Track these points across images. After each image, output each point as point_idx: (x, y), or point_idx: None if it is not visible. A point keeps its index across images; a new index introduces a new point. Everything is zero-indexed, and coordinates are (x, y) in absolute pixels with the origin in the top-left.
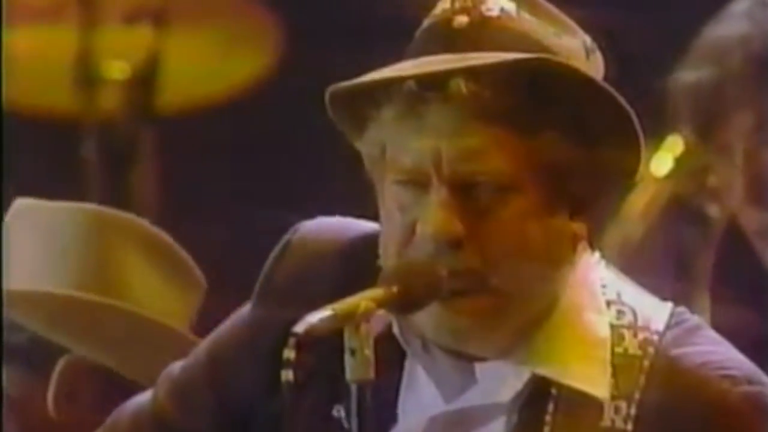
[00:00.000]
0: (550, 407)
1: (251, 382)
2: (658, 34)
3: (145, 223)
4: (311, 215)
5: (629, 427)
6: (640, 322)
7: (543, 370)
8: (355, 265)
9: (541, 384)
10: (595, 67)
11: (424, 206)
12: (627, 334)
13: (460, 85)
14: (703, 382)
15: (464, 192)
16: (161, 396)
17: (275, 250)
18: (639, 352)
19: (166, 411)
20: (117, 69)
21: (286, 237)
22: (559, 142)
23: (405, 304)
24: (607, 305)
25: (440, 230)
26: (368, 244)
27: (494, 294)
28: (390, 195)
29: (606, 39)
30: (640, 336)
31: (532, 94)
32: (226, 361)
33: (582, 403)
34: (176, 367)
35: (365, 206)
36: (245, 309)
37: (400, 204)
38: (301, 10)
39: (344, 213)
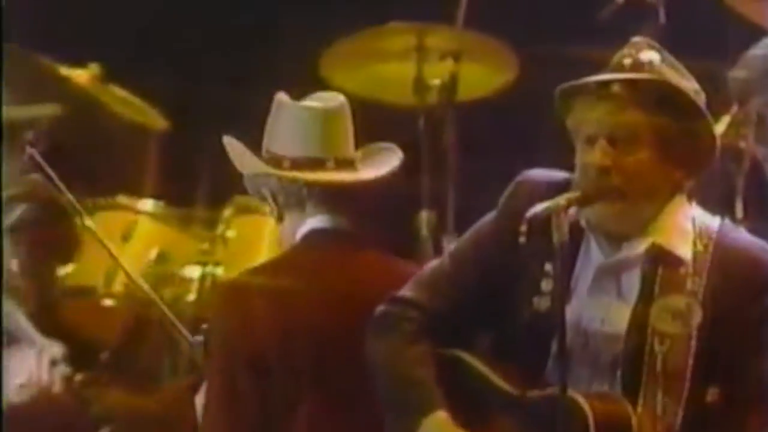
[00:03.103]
0: (660, 267)
1: (495, 264)
2: (724, 55)
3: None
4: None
5: (701, 290)
6: (704, 233)
7: (658, 240)
8: (555, 195)
9: (656, 250)
10: (700, 99)
11: (593, 152)
12: (698, 241)
13: (616, 87)
14: (761, 251)
15: (613, 144)
16: (447, 263)
17: (510, 186)
18: (703, 250)
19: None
20: (435, 83)
21: (517, 178)
22: (668, 126)
23: (584, 201)
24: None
25: (599, 163)
26: (562, 183)
27: (625, 201)
28: (580, 149)
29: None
30: (705, 240)
31: (657, 99)
32: (483, 247)
33: (676, 265)
34: (450, 247)
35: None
36: (489, 217)
37: (583, 153)
38: (528, 48)
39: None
